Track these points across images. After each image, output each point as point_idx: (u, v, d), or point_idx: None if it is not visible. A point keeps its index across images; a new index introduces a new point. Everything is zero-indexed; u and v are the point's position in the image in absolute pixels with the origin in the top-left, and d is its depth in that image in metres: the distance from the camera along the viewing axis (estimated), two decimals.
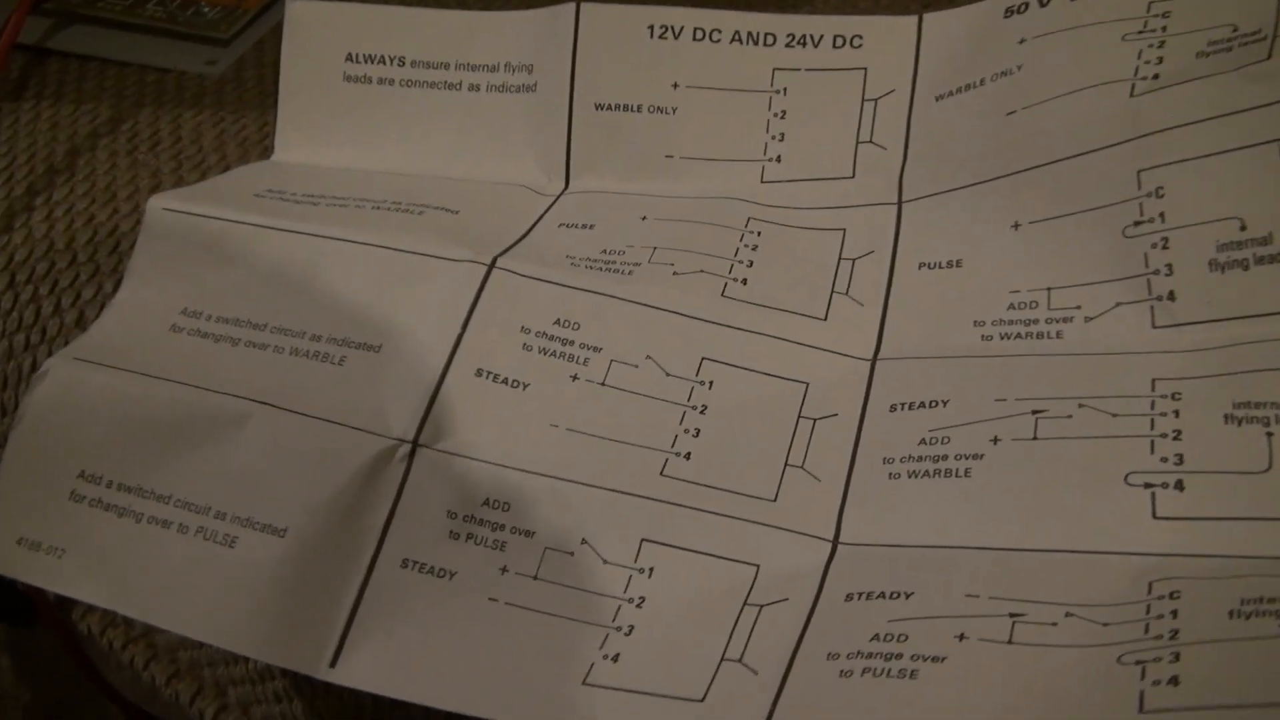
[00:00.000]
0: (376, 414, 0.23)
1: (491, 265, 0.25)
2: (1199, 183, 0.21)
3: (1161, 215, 0.21)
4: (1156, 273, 0.21)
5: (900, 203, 0.26)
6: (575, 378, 0.23)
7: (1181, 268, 0.21)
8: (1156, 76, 0.23)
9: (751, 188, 0.27)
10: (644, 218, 0.27)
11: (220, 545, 0.22)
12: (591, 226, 0.27)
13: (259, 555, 0.21)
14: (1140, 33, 0.23)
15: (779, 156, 0.27)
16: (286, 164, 0.30)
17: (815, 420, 0.22)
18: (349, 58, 0.31)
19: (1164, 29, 0.23)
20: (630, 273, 0.25)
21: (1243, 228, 0.20)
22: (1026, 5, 0.26)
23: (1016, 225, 0.23)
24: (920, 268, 0.24)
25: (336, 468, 0.22)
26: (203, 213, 0.27)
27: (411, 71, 0.30)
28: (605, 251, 0.26)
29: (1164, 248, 0.21)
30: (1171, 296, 0.21)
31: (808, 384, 0.23)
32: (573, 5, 0.29)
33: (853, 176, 0.27)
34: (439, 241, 0.25)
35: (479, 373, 0.23)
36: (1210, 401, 0.19)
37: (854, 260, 0.25)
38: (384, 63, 0.30)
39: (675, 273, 0.25)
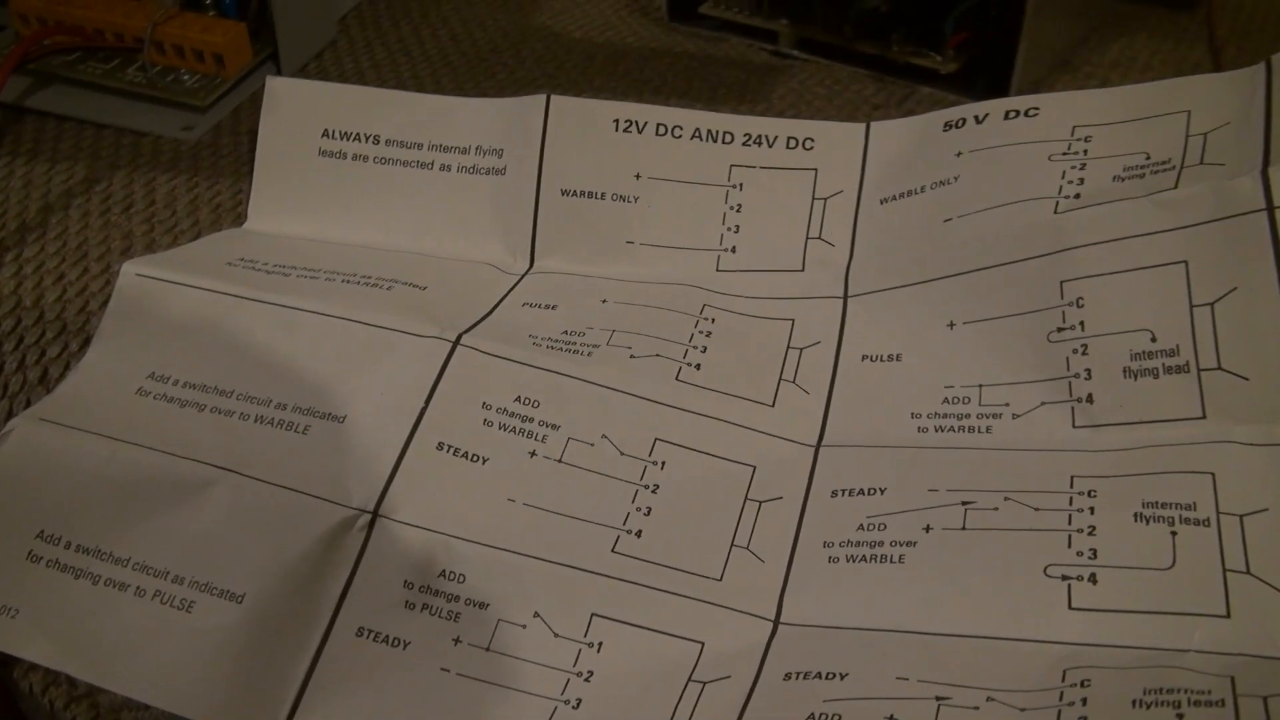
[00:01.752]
0: (338, 483, 0.23)
1: (456, 342, 0.26)
2: (1115, 296, 0.23)
3: (1081, 324, 0.23)
4: (1077, 376, 0.23)
5: (846, 297, 0.27)
6: (533, 454, 0.24)
7: (1099, 373, 0.23)
8: (1078, 196, 0.25)
9: (707, 276, 0.29)
10: (604, 301, 0.28)
11: (177, 610, 0.22)
12: (554, 307, 0.28)
13: (215, 620, 0.22)
14: (1065, 154, 0.26)
15: (733, 247, 0.29)
16: (259, 233, 0.31)
17: (761, 503, 0.24)
18: (325, 134, 0.32)
19: (1085, 152, 0.25)
20: (590, 354, 0.26)
21: (1153, 339, 0.22)
22: (964, 121, 0.28)
23: (952, 324, 0.25)
24: (863, 359, 0.26)
25: (296, 535, 0.22)
26: (175, 279, 0.27)
27: (385, 149, 0.32)
28: (566, 332, 0.27)
29: (1084, 353, 0.23)
30: (1090, 399, 0.23)
31: (755, 467, 0.24)
32: (543, 97, 0.30)
33: (802, 270, 0.28)
34: (406, 317, 0.26)
35: (440, 446, 0.24)
36: (1122, 500, 0.20)
37: (801, 350, 0.27)
38: (359, 140, 0.32)
39: (632, 355, 0.26)
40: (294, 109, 0.32)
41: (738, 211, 0.29)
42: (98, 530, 0.23)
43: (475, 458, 0.24)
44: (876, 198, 0.28)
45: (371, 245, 0.30)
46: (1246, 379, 0.21)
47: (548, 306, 0.28)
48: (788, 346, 0.27)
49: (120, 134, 0.37)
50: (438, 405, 0.24)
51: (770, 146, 0.30)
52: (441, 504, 0.23)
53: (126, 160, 0.36)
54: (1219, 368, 0.21)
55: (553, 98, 0.30)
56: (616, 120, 0.30)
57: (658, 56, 0.43)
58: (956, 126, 0.28)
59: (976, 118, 0.27)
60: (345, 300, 0.27)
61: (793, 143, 0.30)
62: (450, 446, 0.24)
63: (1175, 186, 0.23)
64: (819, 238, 0.29)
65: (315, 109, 0.32)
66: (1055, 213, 0.25)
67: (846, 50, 0.41)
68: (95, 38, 0.39)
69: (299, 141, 0.32)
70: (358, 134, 0.32)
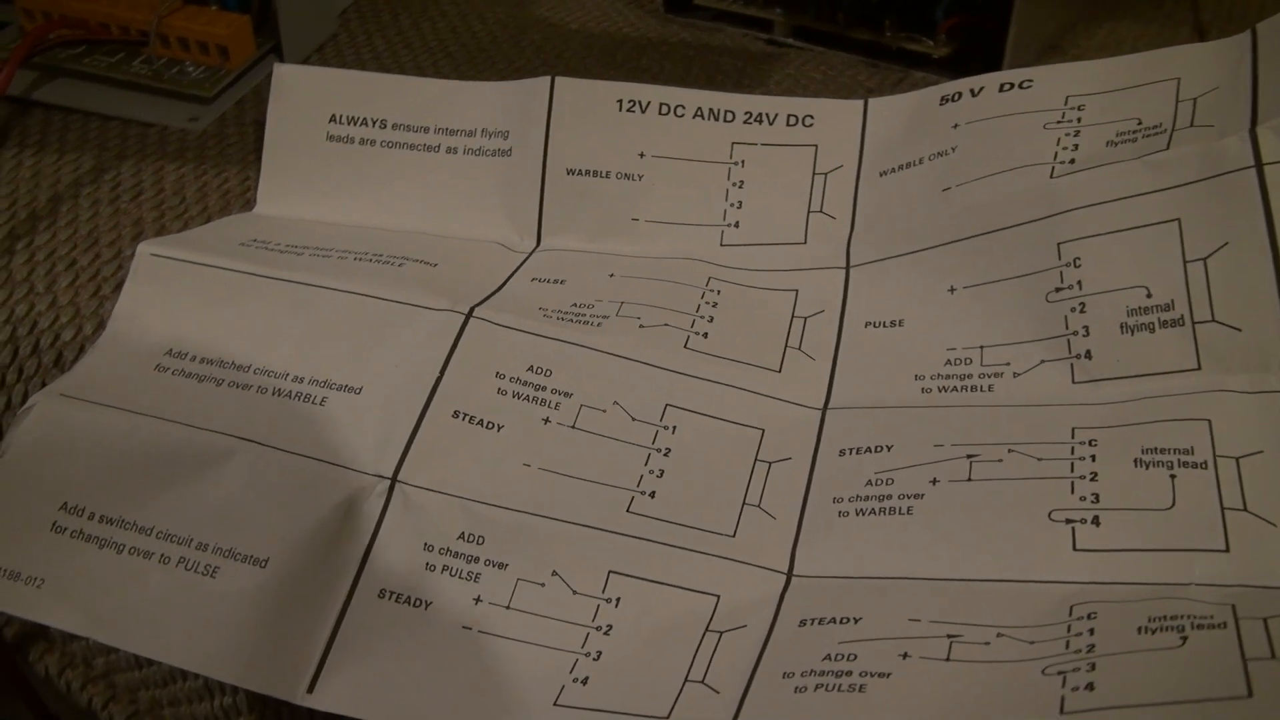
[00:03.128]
0: (357, 451, 0.24)
1: (469, 314, 0.26)
2: (1110, 255, 0.24)
3: (1079, 283, 0.24)
4: (1075, 334, 0.24)
5: (848, 267, 0.28)
6: (547, 420, 0.25)
7: (1097, 329, 0.23)
8: (1073, 161, 0.25)
9: (711, 250, 0.29)
10: (611, 275, 0.29)
11: (201, 575, 0.22)
12: (562, 281, 0.28)
13: (240, 585, 0.22)
14: (1059, 122, 0.26)
15: (737, 222, 0.30)
16: (269, 216, 0.32)
17: (771, 463, 0.24)
18: (332, 119, 0.32)
19: (1079, 120, 0.26)
20: (599, 325, 0.27)
21: (1148, 295, 0.23)
22: (960, 94, 0.28)
23: (952, 289, 0.26)
24: (866, 326, 0.27)
25: (317, 501, 0.23)
26: (190, 259, 0.28)
27: (392, 134, 0.32)
28: (575, 305, 0.27)
29: (1081, 312, 0.24)
30: (1089, 355, 0.23)
31: (764, 430, 0.25)
32: (548, 79, 0.31)
33: (804, 242, 0.29)
34: (419, 291, 0.27)
35: (456, 414, 0.25)
36: (1122, 448, 0.21)
37: (806, 318, 0.27)
38: (366, 124, 0.32)
39: (641, 325, 0.27)
40: (301, 95, 0.32)
41: (740, 187, 0.30)
42: (121, 500, 0.23)
43: (490, 425, 0.24)
44: (876, 170, 0.29)
45: (380, 227, 0.31)
46: (1239, 330, 0.22)
47: (556, 281, 0.28)
48: (792, 315, 0.27)
49: (127, 125, 0.38)
50: (452, 376, 0.25)
51: (771, 124, 0.30)
52: (459, 470, 0.24)
53: (134, 150, 0.36)
54: (1213, 320, 0.22)
55: (557, 79, 0.31)
56: (620, 100, 0.31)
57: (655, 46, 0.44)
58: (953, 100, 0.28)
59: (972, 91, 0.28)
60: (357, 277, 0.27)
61: (793, 120, 0.30)
62: (465, 415, 0.25)
63: (1167, 148, 0.24)
64: (820, 211, 0.29)
65: (322, 95, 0.32)
66: (1051, 178, 0.25)
67: (841, 37, 0.42)
68: (100, 31, 0.39)
69: (307, 127, 0.32)
70: (365, 119, 0.32)
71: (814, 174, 0.30)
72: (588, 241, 0.30)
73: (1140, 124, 0.25)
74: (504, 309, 0.26)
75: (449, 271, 0.28)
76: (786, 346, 0.27)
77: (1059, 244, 0.24)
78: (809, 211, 0.29)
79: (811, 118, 0.30)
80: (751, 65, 0.42)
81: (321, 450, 0.24)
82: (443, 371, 0.25)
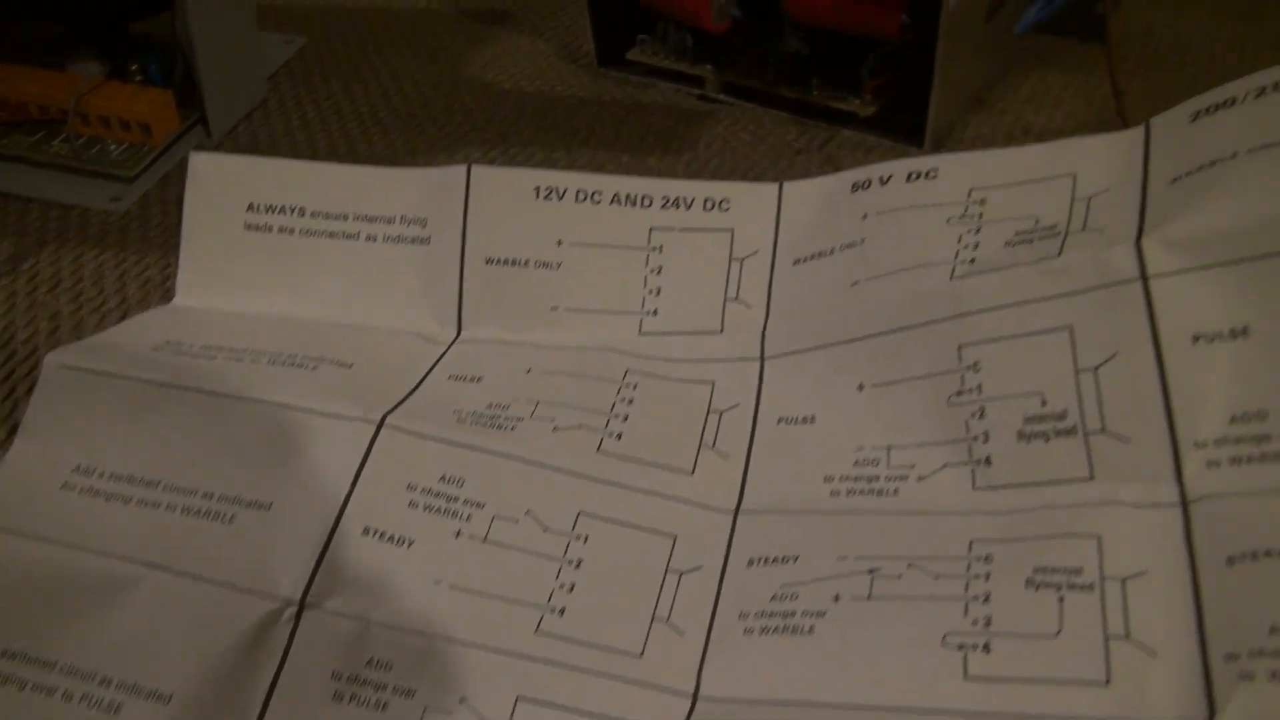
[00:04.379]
0: (265, 574, 0.24)
1: (381, 423, 0.26)
2: (1007, 361, 0.24)
3: (979, 387, 0.24)
4: (976, 439, 0.24)
5: (762, 359, 0.28)
6: (459, 534, 0.25)
7: (995, 436, 0.24)
8: (973, 261, 0.26)
9: (630, 339, 0.29)
10: (529, 370, 0.29)
11: (104, 713, 0.22)
12: (479, 379, 0.28)
13: None
14: (961, 217, 0.27)
15: (655, 310, 0.30)
16: (187, 309, 0.31)
17: (681, 573, 0.24)
18: (250, 207, 0.32)
19: (980, 215, 0.26)
20: (513, 428, 0.27)
21: (1043, 403, 0.23)
22: (870, 182, 0.29)
23: (861, 387, 0.26)
24: (779, 422, 0.27)
25: (223, 631, 0.23)
26: (100, 369, 0.27)
27: (311, 221, 0.32)
28: (491, 405, 0.27)
29: (981, 417, 0.24)
30: (988, 461, 0.24)
31: (676, 536, 0.25)
32: (464, 167, 0.31)
33: (721, 332, 0.29)
34: (332, 398, 0.27)
35: (366, 530, 0.24)
36: (1016, 565, 0.21)
37: (721, 413, 0.27)
38: (284, 213, 0.32)
39: (555, 428, 0.27)
40: (218, 184, 0.32)
41: (658, 274, 0.30)
42: (22, 634, 0.23)
43: (401, 541, 0.24)
44: (790, 258, 0.29)
45: (301, 318, 0.31)
46: (1129, 441, 0.22)
47: (473, 379, 0.28)
48: (708, 410, 0.27)
49: (47, 208, 0.37)
50: (363, 489, 0.25)
51: (688, 209, 0.30)
52: (367, 590, 0.24)
53: (54, 235, 0.36)
54: (1103, 430, 0.22)
55: (473, 167, 0.31)
56: (537, 187, 0.31)
57: (586, 106, 0.43)
58: (863, 188, 0.29)
59: (881, 179, 0.28)
60: (270, 383, 0.27)
61: (709, 204, 0.30)
62: (376, 531, 0.24)
63: (1059, 254, 0.24)
64: (737, 299, 0.29)
65: (239, 183, 0.32)
66: (951, 278, 0.26)
67: (770, 94, 0.42)
68: (19, 110, 0.39)
69: (224, 216, 0.32)
70: (283, 206, 0.32)
71: (730, 260, 0.30)
72: (508, 331, 0.30)
73: (1037, 224, 0.25)
74: (417, 415, 0.26)
75: (364, 372, 0.28)
76: (701, 445, 0.27)
77: (960, 346, 0.25)
78: (725, 300, 0.29)
79: (728, 201, 0.30)
80: (681, 125, 0.42)
81: (229, 573, 0.24)
82: (353, 485, 0.25)
